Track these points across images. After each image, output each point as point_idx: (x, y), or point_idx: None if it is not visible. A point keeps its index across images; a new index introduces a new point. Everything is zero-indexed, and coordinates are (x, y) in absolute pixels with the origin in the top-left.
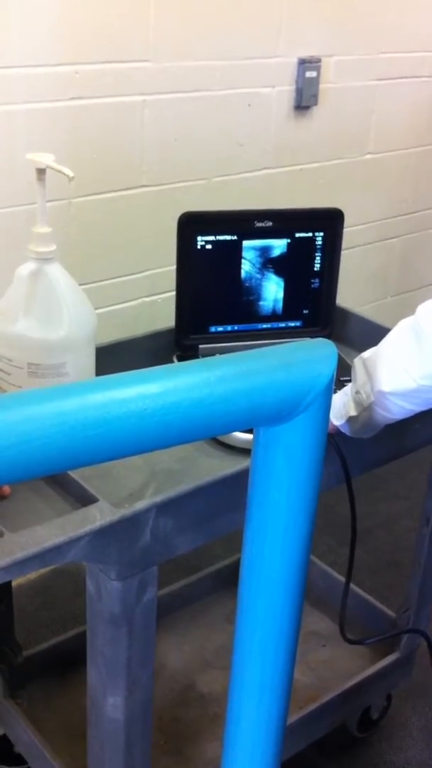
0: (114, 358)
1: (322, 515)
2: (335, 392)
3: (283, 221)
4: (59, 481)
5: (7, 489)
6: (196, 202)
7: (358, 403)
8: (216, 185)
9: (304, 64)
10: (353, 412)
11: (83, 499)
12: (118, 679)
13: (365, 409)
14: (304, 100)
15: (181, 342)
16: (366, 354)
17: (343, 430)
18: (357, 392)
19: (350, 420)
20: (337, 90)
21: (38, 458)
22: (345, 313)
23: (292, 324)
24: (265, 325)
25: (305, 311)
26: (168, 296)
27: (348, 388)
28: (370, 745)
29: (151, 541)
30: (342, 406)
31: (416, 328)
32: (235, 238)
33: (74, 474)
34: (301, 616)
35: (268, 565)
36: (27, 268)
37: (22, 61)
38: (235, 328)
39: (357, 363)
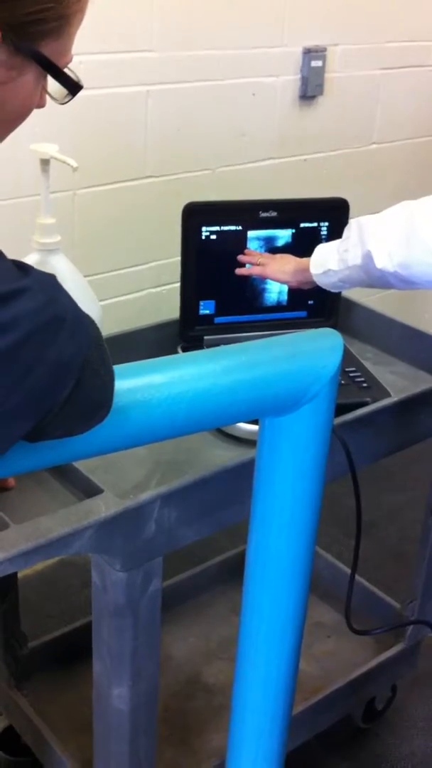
0: (119, 349)
1: (328, 507)
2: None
3: (287, 211)
4: (64, 473)
5: (12, 481)
6: (201, 193)
7: (342, 261)
8: (220, 175)
9: (310, 53)
10: (335, 267)
11: (88, 490)
12: (124, 670)
13: (348, 268)
14: (310, 89)
15: (186, 333)
16: (363, 220)
17: (316, 279)
18: (346, 250)
19: (327, 273)
20: (342, 79)
21: (42, 449)
22: (350, 304)
23: (297, 315)
24: (270, 316)
25: (310, 302)
26: (173, 287)
27: (336, 244)
28: (375, 736)
29: (155, 532)
30: (323, 260)
31: (411, 219)
32: (239, 228)
33: (79, 465)
34: (306, 607)
35: (274, 556)
36: (31, 259)
37: None
38: (240, 319)
39: (353, 224)
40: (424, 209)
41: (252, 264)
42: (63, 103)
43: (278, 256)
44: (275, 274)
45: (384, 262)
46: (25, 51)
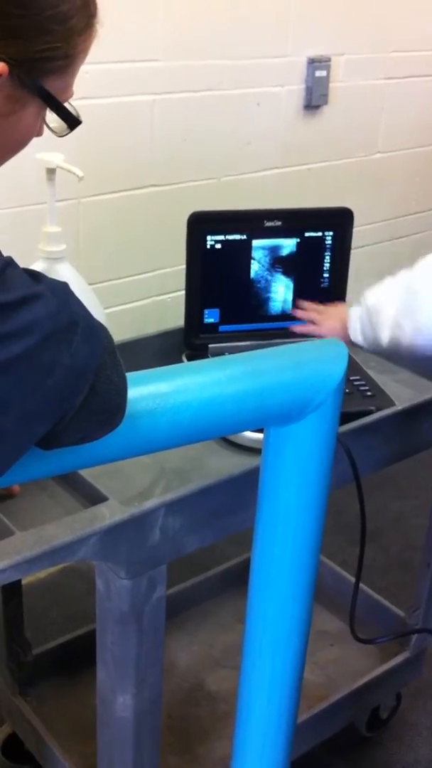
0: (124, 357)
1: (332, 515)
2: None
3: (292, 220)
4: (69, 480)
5: (16, 488)
6: (206, 202)
7: (369, 344)
8: (225, 185)
9: (314, 63)
10: (367, 348)
11: (93, 497)
12: (128, 678)
13: (377, 350)
14: (314, 99)
15: (190, 341)
16: (370, 302)
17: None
18: (365, 338)
19: (363, 347)
20: (346, 89)
21: (46, 457)
22: None
23: (301, 324)
24: (274, 325)
25: None
26: (178, 295)
27: (360, 327)
28: (379, 745)
29: (160, 539)
30: (355, 332)
31: (411, 286)
32: (244, 237)
33: (84, 473)
34: (311, 615)
35: (278, 564)
36: (37, 267)
37: None
38: (245, 327)
39: (363, 313)
40: (420, 273)
41: (306, 320)
42: (61, 136)
43: (331, 309)
44: (331, 333)
45: (405, 340)
46: (29, 86)
